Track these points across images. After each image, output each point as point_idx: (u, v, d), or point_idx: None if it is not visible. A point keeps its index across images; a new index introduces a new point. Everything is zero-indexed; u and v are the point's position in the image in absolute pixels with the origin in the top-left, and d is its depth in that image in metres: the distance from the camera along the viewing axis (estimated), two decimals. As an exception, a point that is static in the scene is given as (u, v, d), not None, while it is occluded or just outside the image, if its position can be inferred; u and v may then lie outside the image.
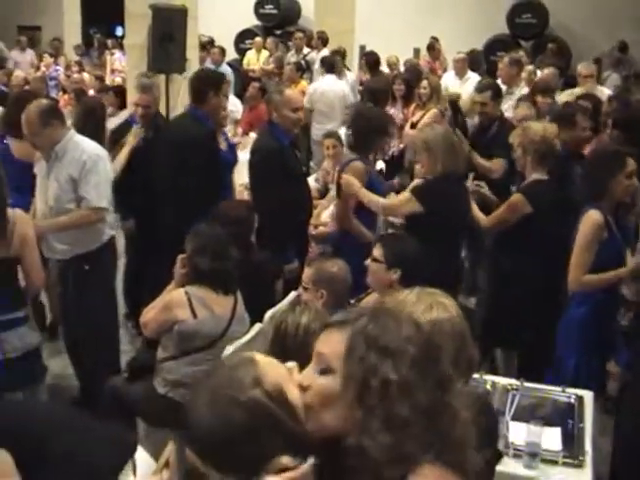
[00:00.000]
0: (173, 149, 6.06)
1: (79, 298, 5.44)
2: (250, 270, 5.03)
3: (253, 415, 1.89)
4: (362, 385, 1.88)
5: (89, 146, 5.42)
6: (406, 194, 5.58)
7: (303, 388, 2.00)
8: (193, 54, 10.18)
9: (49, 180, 5.34)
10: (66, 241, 5.41)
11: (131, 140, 6.34)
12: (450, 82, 11.78)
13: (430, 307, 2.62)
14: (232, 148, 6.79)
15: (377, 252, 4.57)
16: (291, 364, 2.06)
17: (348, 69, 13.52)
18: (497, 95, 7.51)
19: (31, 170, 5.82)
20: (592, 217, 4.82)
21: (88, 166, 5.29)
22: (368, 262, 4.59)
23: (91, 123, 6.27)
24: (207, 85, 6.16)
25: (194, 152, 5.92)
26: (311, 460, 1.91)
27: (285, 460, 1.89)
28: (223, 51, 14.57)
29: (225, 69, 13.48)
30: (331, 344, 2.01)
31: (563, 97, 7.71)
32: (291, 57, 15.04)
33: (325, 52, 14.00)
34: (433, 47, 15.26)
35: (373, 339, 1.91)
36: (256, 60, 16.40)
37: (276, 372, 1.98)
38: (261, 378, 1.93)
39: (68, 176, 5.26)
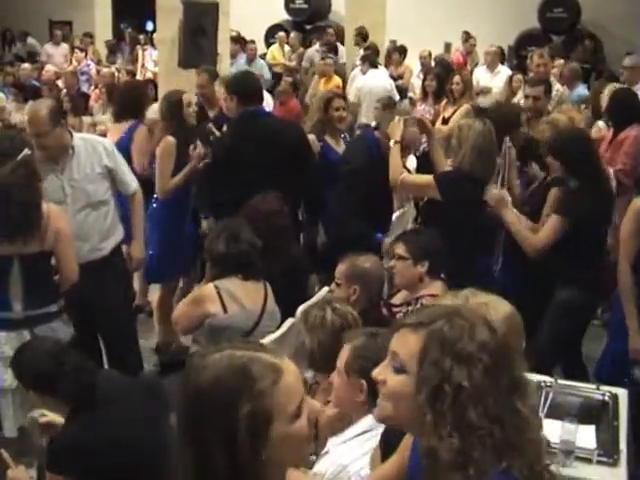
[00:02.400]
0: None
1: (114, 290, 5.43)
2: (284, 264, 5.02)
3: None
4: (435, 389, 1.93)
5: (96, 137, 5.55)
6: (428, 177, 5.52)
7: (378, 382, 2.11)
8: (224, 48, 10.21)
9: (68, 179, 5.18)
10: (110, 234, 5.41)
11: (193, 163, 6.24)
12: (481, 76, 11.72)
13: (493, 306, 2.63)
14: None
15: (400, 249, 4.56)
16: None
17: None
18: (549, 91, 7.37)
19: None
20: (637, 204, 4.80)
21: (111, 151, 5.33)
22: (392, 262, 4.59)
23: (177, 116, 6.30)
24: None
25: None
26: None
27: None
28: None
29: (261, 64, 13.52)
30: (406, 345, 2.06)
31: (606, 91, 7.60)
32: (315, 53, 14.99)
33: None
34: (466, 42, 15.22)
35: (449, 344, 1.96)
36: (281, 55, 16.42)
37: (289, 400, 1.90)
38: (263, 396, 1.87)
39: (100, 167, 5.23)
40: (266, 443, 1.81)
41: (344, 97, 6.79)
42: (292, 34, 16.70)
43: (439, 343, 1.96)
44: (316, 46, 15.53)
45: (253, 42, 14.78)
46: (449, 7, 17.60)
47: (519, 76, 10.39)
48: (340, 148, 6.44)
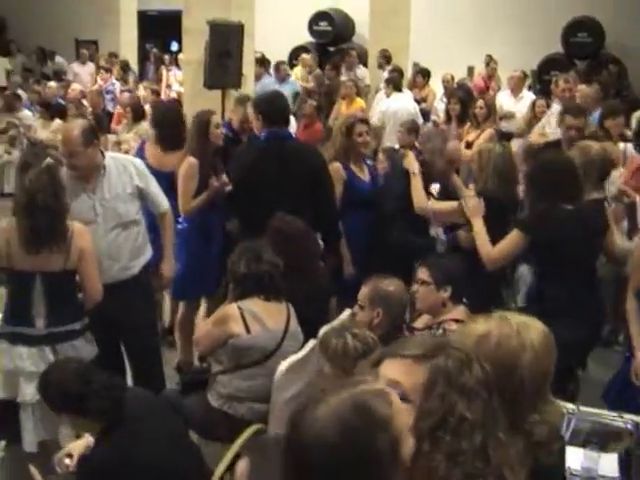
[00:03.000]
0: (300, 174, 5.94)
1: (142, 309, 5.44)
2: (309, 286, 5.04)
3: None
4: (440, 420, 2.01)
5: (125, 157, 5.50)
6: (454, 203, 5.62)
7: None
8: (249, 70, 10.27)
9: (99, 199, 5.18)
10: (140, 254, 5.41)
11: (215, 187, 6.22)
12: (505, 100, 11.72)
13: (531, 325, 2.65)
14: (374, 179, 6.60)
15: (423, 274, 4.60)
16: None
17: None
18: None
19: (168, 178, 6.14)
20: None
21: (142, 170, 5.34)
22: (415, 287, 4.61)
23: (203, 136, 6.32)
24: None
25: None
26: None
27: None
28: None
29: (292, 85, 13.58)
30: (410, 376, 2.09)
31: (635, 116, 7.63)
32: (343, 75, 15.05)
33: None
34: (488, 65, 15.23)
35: (453, 378, 2.04)
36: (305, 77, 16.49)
37: (404, 419, 1.93)
38: (391, 421, 1.87)
39: (131, 187, 5.23)
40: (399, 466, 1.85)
41: (367, 121, 6.75)
42: (309, 55, 16.67)
43: (445, 378, 2.04)
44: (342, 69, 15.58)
45: (284, 63, 14.85)
46: (472, 31, 17.66)
47: (542, 101, 10.38)
48: (364, 174, 6.35)
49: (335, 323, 4.85)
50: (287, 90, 12.88)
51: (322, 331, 4.66)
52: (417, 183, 5.84)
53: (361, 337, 3.82)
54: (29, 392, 4.47)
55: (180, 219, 6.38)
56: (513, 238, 5.02)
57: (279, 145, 5.90)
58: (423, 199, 5.76)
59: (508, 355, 2.51)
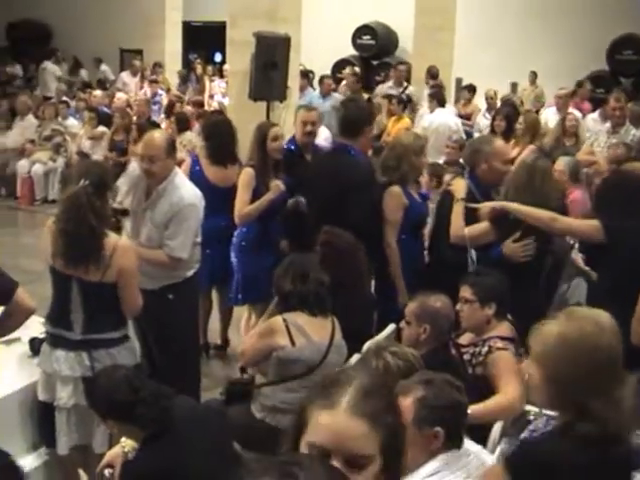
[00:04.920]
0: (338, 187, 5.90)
1: (162, 327, 5.44)
2: (357, 300, 5.05)
3: None
4: None
5: (187, 192, 5.40)
6: (485, 224, 5.54)
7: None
8: (294, 83, 10.30)
9: (144, 218, 5.35)
10: (155, 274, 5.42)
11: (270, 195, 6.27)
12: (551, 118, 11.64)
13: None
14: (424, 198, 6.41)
15: (466, 293, 4.60)
16: None
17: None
18: None
19: (225, 193, 6.22)
20: None
21: (182, 215, 5.30)
22: (458, 306, 4.59)
23: (261, 147, 6.36)
24: (364, 119, 6.12)
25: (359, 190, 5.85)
26: None
27: None
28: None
29: (336, 99, 13.58)
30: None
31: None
32: (389, 89, 15.02)
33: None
34: (532, 82, 15.15)
35: None
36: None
37: None
38: None
39: (163, 220, 5.28)
40: None
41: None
42: (346, 69, 16.56)
43: None
44: (389, 83, 15.57)
45: (328, 77, 14.86)
46: (516, 47, 17.59)
47: (573, 115, 10.30)
48: (416, 195, 6.14)
49: (379, 338, 4.86)
50: (329, 104, 12.91)
51: (366, 346, 4.68)
52: (458, 209, 5.61)
53: (401, 355, 3.80)
54: (64, 395, 4.51)
55: (236, 232, 6.47)
56: (594, 224, 4.96)
57: (332, 158, 5.90)
58: (459, 228, 5.55)
59: (590, 342, 2.67)
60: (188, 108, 12.92)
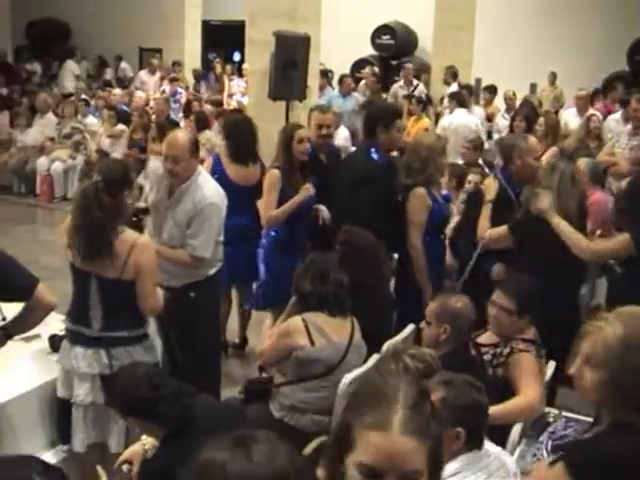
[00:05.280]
0: (348, 184, 5.99)
1: (184, 325, 5.42)
2: (377, 300, 5.04)
3: None
4: None
5: (210, 191, 5.39)
6: (504, 227, 5.57)
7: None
8: (313, 82, 10.30)
9: (166, 216, 5.36)
10: (177, 272, 5.43)
11: (299, 197, 6.25)
12: (570, 119, 11.60)
13: None
14: (446, 200, 6.39)
15: (504, 301, 4.58)
16: None
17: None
18: None
19: (247, 192, 6.27)
20: None
21: (205, 214, 5.31)
22: (492, 310, 4.57)
23: (287, 149, 6.35)
24: (376, 120, 6.10)
25: (365, 187, 5.86)
26: None
27: None
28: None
29: (356, 98, 13.59)
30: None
31: None
32: (400, 89, 15.03)
33: (454, 87, 14.04)
34: (552, 83, 15.09)
35: None
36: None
37: None
38: None
39: (185, 218, 5.29)
40: None
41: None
42: (366, 69, 16.48)
43: None
44: (400, 82, 15.57)
45: (348, 76, 14.85)
46: (536, 47, 17.53)
47: (597, 116, 10.25)
48: (440, 197, 6.11)
49: (398, 338, 4.85)
50: (350, 104, 12.91)
51: (385, 346, 4.67)
52: (486, 212, 5.73)
53: (420, 356, 3.79)
54: (81, 393, 4.52)
55: (264, 231, 6.49)
56: (625, 240, 4.93)
57: (354, 159, 5.92)
58: (484, 229, 5.68)
59: None
60: (207, 107, 12.92)
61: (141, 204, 5.39)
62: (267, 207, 6.31)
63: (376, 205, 5.74)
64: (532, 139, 6.08)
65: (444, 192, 6.62)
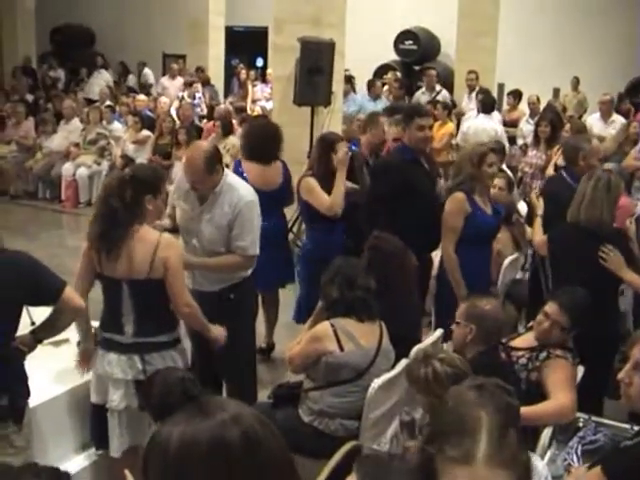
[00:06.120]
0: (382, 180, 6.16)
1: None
2: (401, 303, 5.05)
3: None
4: None
5: (244, 190, 5.37)
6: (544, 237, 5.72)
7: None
8: (338, 88, 10.32)
9: (201, 221, 5.31)
10: (215, 277, 5.44)
11: (342, 166, 6.35)
12: (595, 124, 11.57)
13: None
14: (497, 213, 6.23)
15: (557, 315, 4.56)
16: None
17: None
18: None
19: (269, 197, 6.25)
20: None
21: (245, 214, 5.27)
22: (542, 320, 4.57)
23: (325, 157, 6.41)
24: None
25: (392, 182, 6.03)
26: None
27: None
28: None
29: (383, 104, 13.62)
30: None
31: None
32: (422, 95, 15.06)
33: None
34: (575, 88, 15.06)
35: None
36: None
37: None
38: None
39: (225, 221, 5.25)
40: None
41: (498, 150, 6.70)
42: (389, 75, 16.56)
43: None
44: (422, 89, 15.58)
45: (376, 81, 14.88)
46: (559, 52, 17.48)
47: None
48: (487, 207, 5.99)
49: (427, 342, 4.85)
50: (381, 107, 12.94)
51: (413, 351, 4.67)
52: (538, 226, 6.03)
53: (449, 361, 3.81)
54: (116, 398, 4.53)
55: (304, 242, 6.60)
56: None
57: (392, 163, 6.21)
58: (539, 244, 5.90)
59: None
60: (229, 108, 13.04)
61: (165, 222, 5.39)
62: (322, 199, 6.38)
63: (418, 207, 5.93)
64: (595, 141, 6.31)
65: (499, 205, 6.37)
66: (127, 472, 3.62)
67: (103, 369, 4.59)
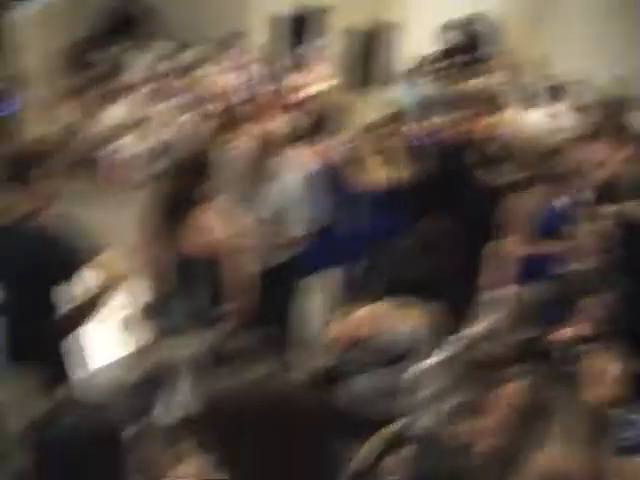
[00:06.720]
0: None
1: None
2: (449, 288, 5.01)
3: None
4: None
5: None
6: None
7: None
8: (393, 71, 10.30)
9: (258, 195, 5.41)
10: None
11: None
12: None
13: None
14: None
15: None
16: None
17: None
18: None
19: None
20: None
21: (296, 194, 5.40)
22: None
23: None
24: None
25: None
26: None
27: None
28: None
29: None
30: None
31: None
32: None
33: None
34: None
35: None
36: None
37: None
38: None
39: (280, 202, 5.34)
40: None
41: None
42: (439, 63, 16.50)
43: None
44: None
45: (421, 68, 14.80)
46: (613, 45, 17.27)
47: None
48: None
49: (476, 329, 4.82)
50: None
51: (459, 337, 4.64)
52: None
53: (494, 346, 3.79)
54: None
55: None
56: None
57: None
58: None
59: None
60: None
61: None
62: None
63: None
64: None
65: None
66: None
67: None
